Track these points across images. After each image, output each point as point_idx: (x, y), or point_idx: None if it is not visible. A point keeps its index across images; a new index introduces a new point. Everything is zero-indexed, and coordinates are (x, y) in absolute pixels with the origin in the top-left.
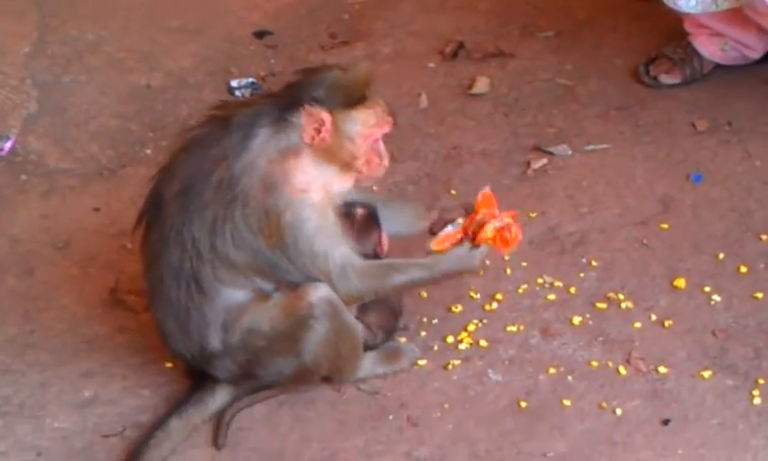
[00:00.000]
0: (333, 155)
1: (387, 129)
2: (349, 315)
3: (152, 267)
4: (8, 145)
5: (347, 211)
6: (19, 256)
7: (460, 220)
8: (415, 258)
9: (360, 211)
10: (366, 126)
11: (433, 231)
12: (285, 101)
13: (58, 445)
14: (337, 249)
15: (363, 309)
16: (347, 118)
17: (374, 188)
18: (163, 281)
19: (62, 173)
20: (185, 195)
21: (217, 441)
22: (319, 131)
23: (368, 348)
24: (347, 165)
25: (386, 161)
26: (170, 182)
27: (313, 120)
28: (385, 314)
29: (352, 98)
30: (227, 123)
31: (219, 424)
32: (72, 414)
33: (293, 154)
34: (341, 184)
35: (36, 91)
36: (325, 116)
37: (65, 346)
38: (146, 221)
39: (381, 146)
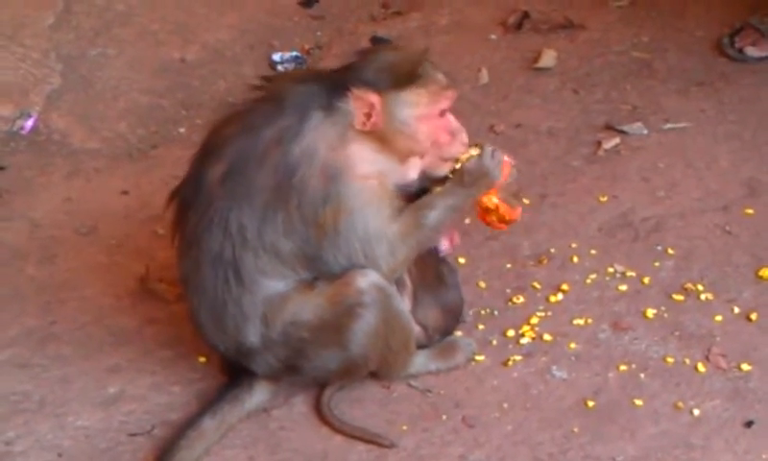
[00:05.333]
0: (392, 140)
1: (445, 104)
2: (401, 303)
3: (188, 252)
4: (29, 123)
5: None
6: (41, 243)
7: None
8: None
9: None
10: (419, 107)
11: None
12: (333, 84)
13: (80, 444)
14: (390, 228)
15: (420, 308)
16: (396, 100)
17: None
18: (200, 268)
19: (88, 153)
20: (234, 178)
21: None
22: (369, 115)
23: (420, 347)
24: (409, 150)
25: (463, 137)
26: (215, 162)
27: (362, 104)
28: (444, 314)
29: (402, 78)
30: (279, 102)
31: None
32: (96, 412)
33: (354, 139)
34: (406, 170)
35: (61, 65)
36: (374, 99)
37: (89, 339)
38: (181, 201)
39: (451, 122)
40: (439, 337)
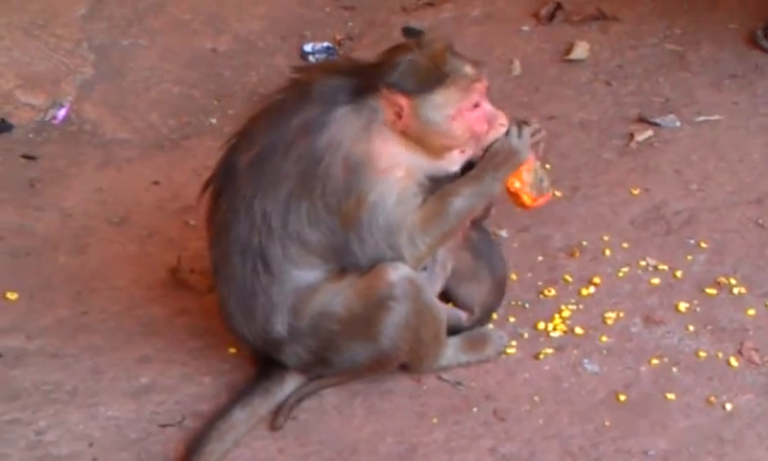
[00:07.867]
0: (426, 140)
1: (477, 96)
2: (432, 297)
3: (218, 240)
4: (61, 113)
5: None
6: (72, 233)
7: None
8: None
9: None
10: (449, 106)
11: None
12: (363, 82)
13: (111, 434)
14: (410, 217)
15: (462, 283)
16: (425, 103)
17: None
18: (229, 257)
19: (120, 143)
20: (260, 165)
21: (275, 422)
22: (399, 116)
23: (455, 331)
24: (446, 147)
25: (502, 120)
26: (245, 150)
27: (391, 105)
28: (487, 289)
29: (428, 80)
30: (307, 91)
31: (281, 407)
32: (127, 402)
33: (379, 134)
34: (445, 165)
35: (93, 55)
36: (403, 102)
37: (120, 329)
38: (215, 188)
39: (486, 110)
40: (480, 313)
